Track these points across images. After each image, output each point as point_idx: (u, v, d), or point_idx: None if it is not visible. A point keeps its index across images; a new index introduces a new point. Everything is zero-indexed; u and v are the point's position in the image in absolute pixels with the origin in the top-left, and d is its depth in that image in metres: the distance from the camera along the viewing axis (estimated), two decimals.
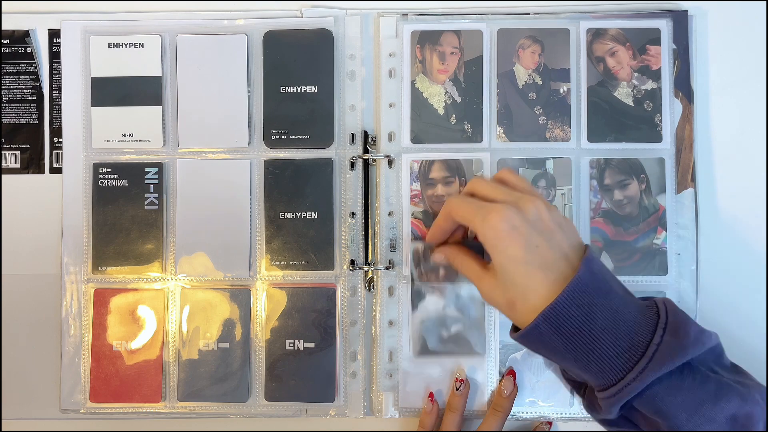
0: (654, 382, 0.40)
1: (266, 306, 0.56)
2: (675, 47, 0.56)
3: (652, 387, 0.40)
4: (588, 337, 0.41)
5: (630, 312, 0.42)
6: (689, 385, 0.40)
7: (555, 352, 0.43)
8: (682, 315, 0.42)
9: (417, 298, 0.55)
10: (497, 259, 0.44)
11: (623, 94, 0.56)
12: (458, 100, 0.56)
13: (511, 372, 0.54)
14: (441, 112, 0.56)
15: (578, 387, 0.45)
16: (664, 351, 0.40)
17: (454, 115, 0.56)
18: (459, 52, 0.56)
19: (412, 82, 0.56)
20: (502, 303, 0.44)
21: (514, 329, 0.46)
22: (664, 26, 0.56)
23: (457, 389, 0.54)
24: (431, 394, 0.55)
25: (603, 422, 0.46)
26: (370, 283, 0.56)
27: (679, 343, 0.40)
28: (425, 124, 0.56)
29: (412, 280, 0.55)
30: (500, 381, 0.55)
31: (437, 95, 0.56)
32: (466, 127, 0.56)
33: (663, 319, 0.41)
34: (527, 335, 0.43)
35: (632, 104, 0.56)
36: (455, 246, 0.51)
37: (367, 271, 0.56)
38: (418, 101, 0.56)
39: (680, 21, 0.56)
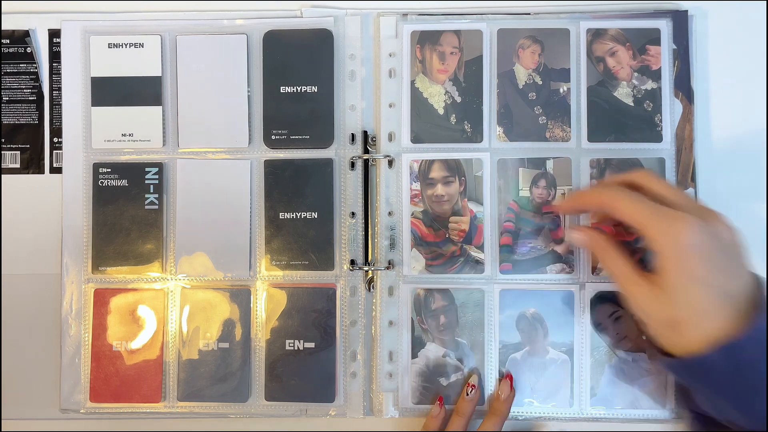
0: None
1: (266, 306, 0.56)
2: (675, 47, 0.56)
3: None
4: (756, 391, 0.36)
5: None
6: None
7: (721, 392, 0.37)
8: None
9: (417, 345, 0.55)
10: (673, 275, 0.39)
11: (623, 94, 0.56)
12: (458, 100, 0.56)
13: (509, 376, 0.54)
14: (441, 112, 0.56)
15: (701, 418, 0.42)
16: None
17: (454, 115, 0.56)
18: (459, 52, 0.56)
19: (412, 82, 0.56)
20: (661, 319, 0.40)
21: (663, 353, 0.41)
22: (664, 26, 0.56)
23: (467, 394, 0.54)
24: (441, 399, 0.55)
25: None
26: (370, 283, 0.56)
27: None
28: (425, 124, 0.56)
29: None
30: (498, 384, 0.54)
31: (437, 95, 0.56)
32: (466, 127, 0.56)
33: None
34: (693, 365, 0.38)
35: (632, 104, 0.56)
36: (604, 237, 0.45)
37: (367, 271, 0.56)
38: (418, 101, 0.56)
39: (680, 21, 0.56)
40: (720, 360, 0.37)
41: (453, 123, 0.56)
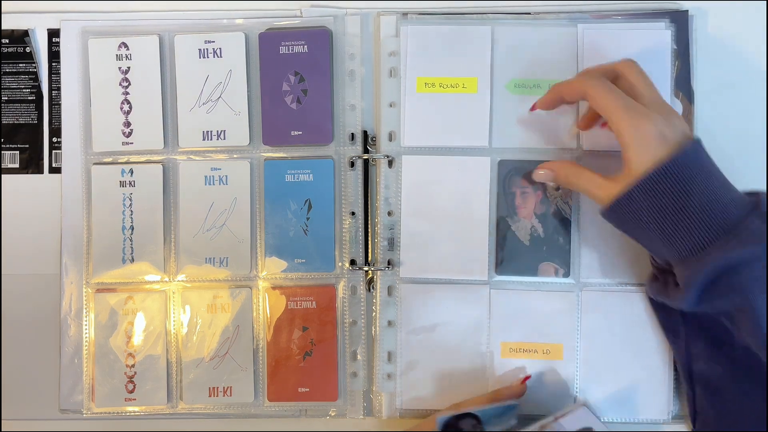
0: (742, 265, 0.40)
1: (267, 306, 0.56)
2: (675, 47, 0.56)
3: (739, 272, 0.40)
4: (680, 211, 0.42)
5: (727, 196, 0.43)
6: None
7: (652, 217, 0.43)
8: None
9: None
10: (634, 155, 0.44)
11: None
12: None
13: (527, 377, 0.55)
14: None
15: (661, 272, 0.49)
16: (754, 232, 0.41)
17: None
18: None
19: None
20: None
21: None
22: (664, 26, 0.55)
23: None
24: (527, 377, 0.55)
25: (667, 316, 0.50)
26: (370, 283, 0.56)
27: None
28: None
29: None
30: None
31: None
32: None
33: (762, 207, 0.42)
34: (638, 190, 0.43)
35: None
36: (567, 161, 0.50)
37: (367, 271, 0.56)
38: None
39: (680, 21, 0.56)
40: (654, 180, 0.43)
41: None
